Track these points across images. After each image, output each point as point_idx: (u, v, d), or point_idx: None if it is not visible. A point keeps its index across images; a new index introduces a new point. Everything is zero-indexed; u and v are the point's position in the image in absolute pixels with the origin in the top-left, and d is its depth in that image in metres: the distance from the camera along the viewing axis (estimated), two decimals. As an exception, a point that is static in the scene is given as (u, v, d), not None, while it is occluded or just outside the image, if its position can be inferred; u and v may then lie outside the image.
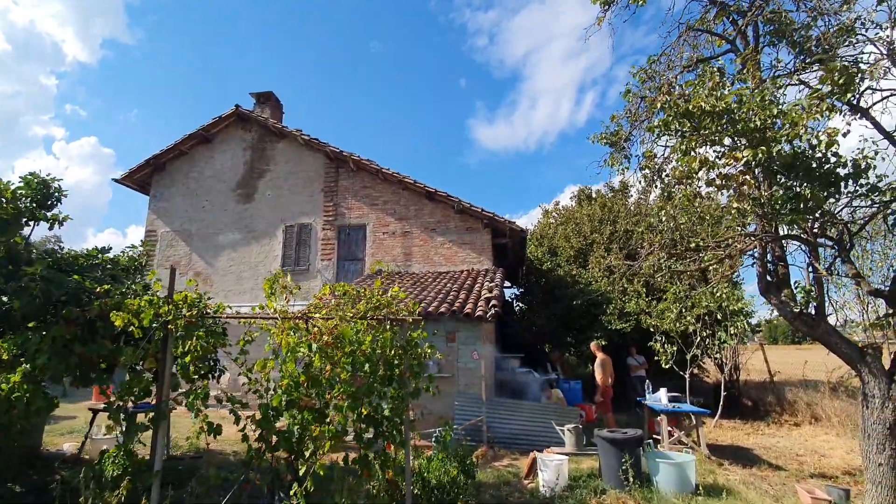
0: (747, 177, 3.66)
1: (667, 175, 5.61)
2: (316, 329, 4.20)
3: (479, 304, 8.15)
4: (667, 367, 8.28)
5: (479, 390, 7.60)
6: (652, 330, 8.82)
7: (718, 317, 9.39)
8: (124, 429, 4.27)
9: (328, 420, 4.03)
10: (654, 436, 8.12)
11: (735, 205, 3.69)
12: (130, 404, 4.01)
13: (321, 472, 3.82)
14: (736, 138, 3.80)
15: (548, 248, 14.55)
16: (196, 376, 4.15)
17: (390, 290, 4.85)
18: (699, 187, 4.28)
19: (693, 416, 7.09)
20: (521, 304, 15.99)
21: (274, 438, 4.09)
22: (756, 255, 4.74)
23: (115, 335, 4.63)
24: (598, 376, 9.28)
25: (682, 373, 11.36)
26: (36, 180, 5.64)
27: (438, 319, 8.16)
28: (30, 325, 4.51)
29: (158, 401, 4.42)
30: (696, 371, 12.09)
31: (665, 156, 5.65)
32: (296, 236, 13.02)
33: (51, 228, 5.78)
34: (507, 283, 17.98)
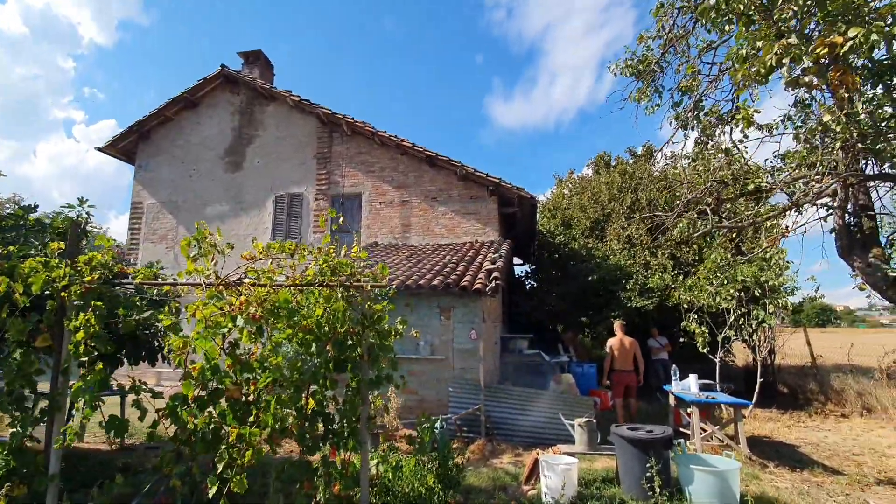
0: (847, 75, 2.45)
1: (707, 112, 4.40)
2: (243, 298, 3.19)
3: (478, 276, 7.07)
4: (704, 349, 7.12)
5: (477, 375, 6.58)
6: (685, 307, 7.63)
7: (756, 293, 8.16)
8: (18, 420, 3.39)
9: (254, 417, 3.04)
10: (680, 428, 7.04)
11: (827, 117, 2.49)
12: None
13: (241, 485, 2.84)
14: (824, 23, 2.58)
15: (561, 220, 13.32)
16: (88, 357, 3.19)
17: (352, 251, 3.82)
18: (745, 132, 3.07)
19: (730, 408, 5.97)
20: (531, 282, 14.87)
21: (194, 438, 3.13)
22: (833, 203, 3.53)
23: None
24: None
25: (711, 356, 10.18)
26: None
27: (432, 294, 7.13)
28: None
29: (52, 387, 3.50)
30: (722, 355, 10.89)
31: (707, 84, 4.44)
32: (287, 207, 12.05)
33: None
34: (517, 260, 16.85)
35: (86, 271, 3.48)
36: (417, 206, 11.24)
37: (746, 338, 11.19)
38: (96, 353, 3.25)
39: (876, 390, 8.13)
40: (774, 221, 4.21)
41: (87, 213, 5.88)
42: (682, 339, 9.44)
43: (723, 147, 4.54)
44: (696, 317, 6.92)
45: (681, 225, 5.19)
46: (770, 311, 8.42)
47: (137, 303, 4.07)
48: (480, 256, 8.69)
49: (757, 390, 8.54)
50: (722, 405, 6.37)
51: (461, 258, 8.62)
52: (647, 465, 4.14)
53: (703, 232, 5.01)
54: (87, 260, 3.54)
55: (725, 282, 6.31)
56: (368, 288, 3.38)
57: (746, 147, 4.02)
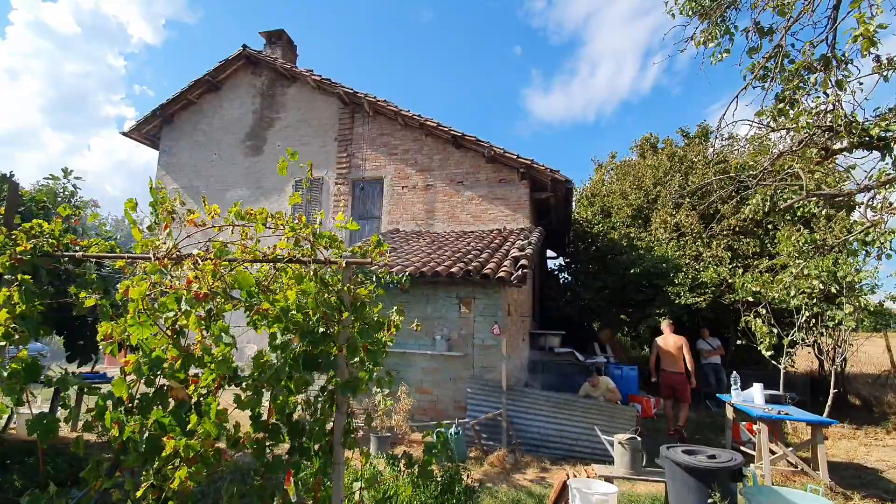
0: None
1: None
2: (191, 274, 2.51)
3: (503, 263, 6.24)
4: (767, 353, 6.07)
5: (499, 375, 5.77)
6: (746, 303, 6.56)
7: (834, 290, 6.95)
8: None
9: (193, 424, 2.36)
10: (741, 447, 5.99)
11: None
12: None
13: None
14: None
15: (600, 208, 12.23)
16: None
17: (337, 219, 3.08)
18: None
19: (809, 427, 4.92)
20: (566, 276, 13.86)
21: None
22: None
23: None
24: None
25: (774, 362, 9.00)
26: None
27: (451, 283, 6.35)
28: None
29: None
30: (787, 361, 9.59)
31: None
32: (307, 192, 11.54)
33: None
34: (551, 253, 15.83)
35: (21, 239, 2.90)
36: (442, 190, 10.47)
37: (814, 342, 9.91)
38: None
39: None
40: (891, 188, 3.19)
41: (74, 186, 5.46)
42: (738, 342, 8.29)
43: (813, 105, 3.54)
44: (763, 313, 5.86)
45: (754, 200, 4.19)
46: (848, 311, 7.20)
47: (94, 280, 3.49)
48: (508, 244, 7.83)
49: (829, 403, 7.35)
50: (795, 422, 5.30)
51: (486, 245, 7.80)
52: (710, 501, 3.23)
53: (789, 205, 3.99)
54: (28, 228, 2.96)
55: (807, 271, 5.21)
56: (345, 265, 2.63)
57: (854, 91, 3.01)
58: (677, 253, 9.55)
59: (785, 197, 4.04)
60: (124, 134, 13.20)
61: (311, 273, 2.63)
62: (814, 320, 7.39)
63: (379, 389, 6.00)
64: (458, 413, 6.06)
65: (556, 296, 12.33)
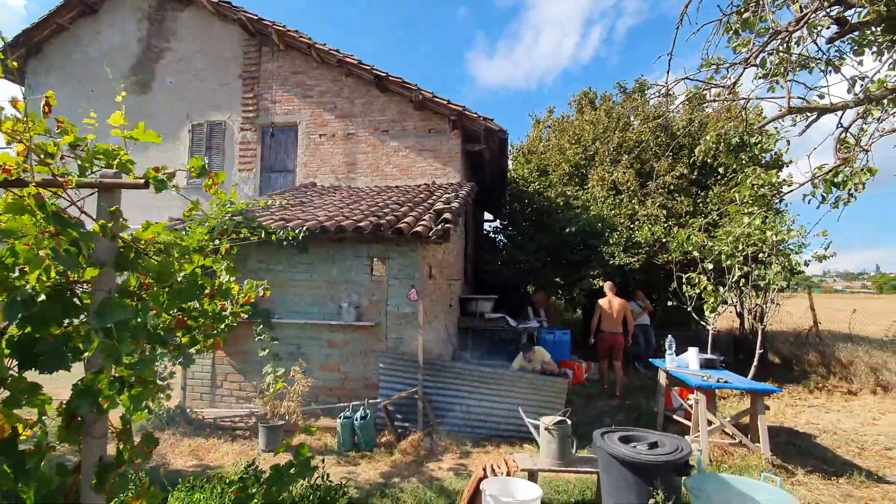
0: None
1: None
2: None
3: (423, 218, 5.31)
4: (712, 314, 5.75)
5: (417, 347, 4.93)
6: (684, 259, 6.15)
7: (765, 250, 6.75)
8: None
9: None
10: (674, 416, 5.65)
11: None
12: None
13: None
14: None
15: (537, 165, 11.54)
16: None
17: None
18: None
19: (750, 396, 4.54)
20: (502, 239, 13.25)
21: None
22: None
23: None
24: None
25: (703, 322, 8.88)
26: None
27: (360, 240, 5.35)
28: None
29: None
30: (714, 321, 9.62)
31: None
32: (206, 139, 9.87)
33: None
34: (488, 217, 15.15)
35: None
36: (365, 140, 9.26)
37: (741, 301, 9.98)
38: None
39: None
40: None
41: None
42: (669, 303, 8.04)
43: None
44: (710, 268, 5.48)
45: (708, 138, 3.50)
46: (776, 270, 7.04)
47: None
48: (434, 198, 6.90)
49: (755, 363, 7.23)
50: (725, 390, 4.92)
51: (409, 200, 6.82)
52: (652, 501, 2.60)
53: (738, 144, 3.34)
54: None
55: (758, 221, 4.73)
56: (73, 185, 1.57)
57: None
58: (613, 212, 9.08)
59: (737, 132, 3.37)
60: (-31, 61, 10.60)
61: (32, 201, 1.53)
62: (743, 280, 7.21)
63: (271, 370, 5.00)
64: (369, 392, 5.21)
65: (491, 259, 11.68)
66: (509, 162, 11.36)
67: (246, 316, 2.62)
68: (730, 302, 7.87)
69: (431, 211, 5.58)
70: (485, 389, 5.02)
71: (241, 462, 4.26)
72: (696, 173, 9.47)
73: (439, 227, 4.96)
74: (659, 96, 10.25)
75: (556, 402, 4.92)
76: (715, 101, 3.99)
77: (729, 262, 6.75)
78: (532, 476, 3.19)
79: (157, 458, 4.38)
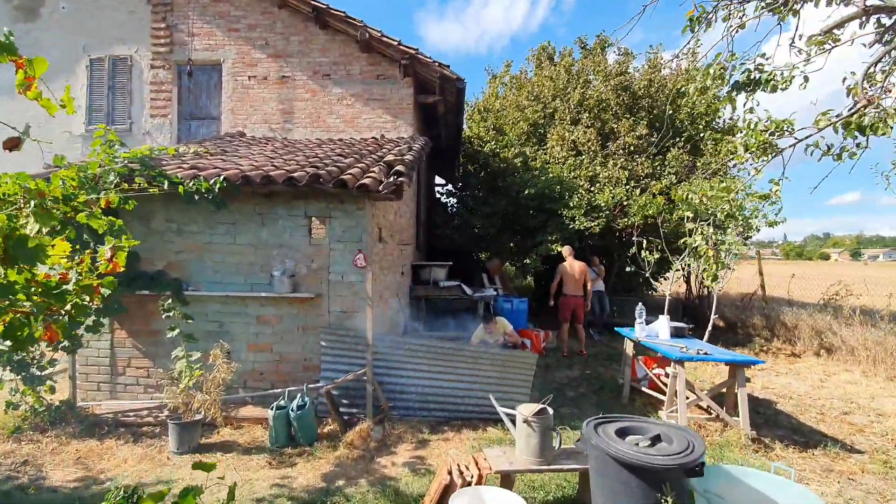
0: None
1: None
2: None
3: (371, 170, 4.48)
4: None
5: (364, 322, 4.20)
6: (639, 228, 5.77)
7: (720, 216, 6.58)
8: None
9: None
10: (635, 383, 5.37)
11: None
12: None
13: None
14: None
15: (493, 124, 10.80)
16: None
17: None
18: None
19: (729, 368, 4.24)
20: (455, 203, 12.56)
21: None
22: None
23: None
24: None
25: (658, 287, 8.80)
26: None
27: (296, 196, 4.46)
28: None
29: None
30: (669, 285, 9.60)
31: None
32: (108, 76, 8.25)
33: None
34: (439, 181, 14.35)
35: None
36: (303, 85, 8.08)
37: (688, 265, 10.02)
38: None
39: (841, 329, 7.05)
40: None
41: None
42: (627, 269, 7.78)
43: None
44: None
45: (710, 70, 2.94)
46: (732, 235, 6.92)
47: None
48: (384, 151, 6.04)
49: (709, 328, 7.15)
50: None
51: (355, 152, 5.91)
52: (660, 510, 2.10)
53: (746, 81, 2.82)
54: None
55: (759, 176, 4.33)
56: None
57: None
58: (573, 173, 8.61)
59: (757, 65, 2.84)
60: None
61: None
62: (704, 244, 7.05)
63: (182, 353, 4.10)
64: (308, 375, 4.45)
65: (443, 223, 11.00)
66: (464, 117, 10.56)
67: (109, 291, 1.77)
68: (682, 268, 7.76)
69: (382, 163, 4.75)
70: (442, 367, 4.42)
71: (145, 470, 3.43)
72: (654, 135, 9.18)
73: (391, 179, 4.17)
74: (623, 55, 9.76)
75: (523, 379, 4.42)
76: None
77: (693, 225, 6.52)
78: (507, 479, 2.64)
79: (31, 470, 3.44)
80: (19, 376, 4.00)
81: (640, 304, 5.41)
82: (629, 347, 5.43)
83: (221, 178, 4.11)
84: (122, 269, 1.84)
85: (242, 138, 7.57)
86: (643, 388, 5.27)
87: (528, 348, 6.74)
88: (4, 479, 3.26)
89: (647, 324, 5.14)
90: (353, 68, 8.01)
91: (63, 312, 1.62)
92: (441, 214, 11.77)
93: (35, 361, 4.10)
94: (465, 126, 11.17)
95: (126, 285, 4.44)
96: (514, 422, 2.83)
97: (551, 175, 8.52)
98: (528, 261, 8.40)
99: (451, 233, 10.40)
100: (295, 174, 4.19)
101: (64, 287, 1.57)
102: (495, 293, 7.93)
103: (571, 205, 8.07)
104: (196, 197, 4.13)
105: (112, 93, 8.26)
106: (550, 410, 2.79)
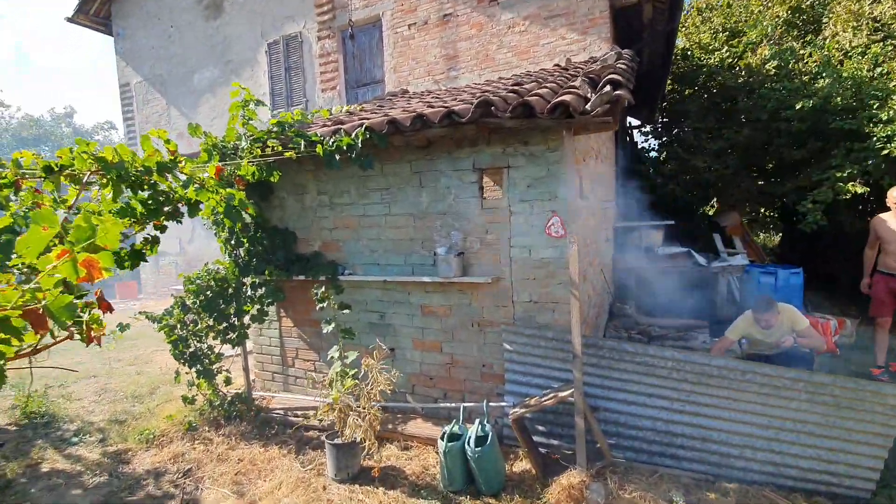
0: None
1: None
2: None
3: (570, 84, 2.88)
4: None
5: (566, 317, 2.73)
6: None
7: None
8: None
9: None
10: None
11: None
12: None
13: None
14: None
15: (721, 25, 7.81)
16: None
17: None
18: None
19: None
20: (655, 149, 9.91)
21: None
22: None
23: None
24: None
25: None
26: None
27: (458, 141, 3.16)
28: None
29: None
30: None
31: None
32: (283, 58, 8.33)
33: None
34: (634, 122, 11.61)
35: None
36: (466, 19, 6.77)
37: None
38: None
39: None
40: None
41: None
42: None
43: None
44: None
45: None
46: None
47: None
48: (573, 72, 4.33)
49: None
50: None
51: (534, 80, 4.33)
52: None
53: None
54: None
55: None
56: None
57: None
58: (882, 68, 5.39)
59: None
60: (70, 20, 10.40)
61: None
62: None
63: (337, 354, 3.25)
64: (488, 387, 3.23)
65: (646, 172, 8.62)
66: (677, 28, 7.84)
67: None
68: None
69: (583, 76, 3.09)
70: (705, 394, 2.67)
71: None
72: None
73: (606, 90, 2.50)
74: None
75: (873, 430, 2.38)
76: None
77: None
78: None
79: (189, 485, 3.02)
80: (193, 369, 3.76)
81: None
82: None
83: (363, 127, 3.05)
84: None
85: (404, 95, 6.69)
86: None
87: (839, 353, 4.38)
88: (162, 497, 2.87)
89: None
90: (525, -16, 6.32)
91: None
92: (642, 161, 9.35)
93: (207, 354, 3.83)
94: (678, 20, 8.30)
95: (284, 269, 3.86)
96: None
97: (839, 77, 5.47)
98: (804, 211, 5.47)
99: (659, 184, 8.01)
100: (456, 108, 2.86)
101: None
102: (746, 263, 5.53)
103: (884, 118, 5.01)
104: (338, 157, 3.18)
105: (288, 74, 8.32)
106: None
